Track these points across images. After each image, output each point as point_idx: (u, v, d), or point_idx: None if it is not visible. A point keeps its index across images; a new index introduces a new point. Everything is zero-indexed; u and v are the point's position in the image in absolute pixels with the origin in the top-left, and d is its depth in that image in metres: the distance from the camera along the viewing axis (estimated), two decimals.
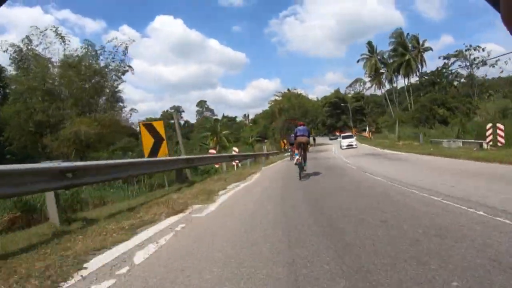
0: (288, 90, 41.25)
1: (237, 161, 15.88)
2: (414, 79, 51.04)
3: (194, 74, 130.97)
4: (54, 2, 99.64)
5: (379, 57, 58.71)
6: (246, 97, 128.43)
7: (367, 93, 69.78)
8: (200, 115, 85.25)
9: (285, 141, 27.61)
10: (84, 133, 15.69)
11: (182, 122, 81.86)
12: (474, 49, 38.20)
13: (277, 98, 41.76)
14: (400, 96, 58.81)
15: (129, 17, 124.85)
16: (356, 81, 72.62)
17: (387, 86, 60.03)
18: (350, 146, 24.79)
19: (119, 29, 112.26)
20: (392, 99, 57.19)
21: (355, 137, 23.98)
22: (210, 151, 15.52)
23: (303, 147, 8.57)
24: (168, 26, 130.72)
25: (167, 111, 76.35)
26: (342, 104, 59.30)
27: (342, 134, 28.58)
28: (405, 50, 46.75)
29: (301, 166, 8.32)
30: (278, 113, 40.81)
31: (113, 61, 19.36)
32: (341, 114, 64.99)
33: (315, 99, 45.44)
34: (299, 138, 8.62)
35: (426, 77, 43.10)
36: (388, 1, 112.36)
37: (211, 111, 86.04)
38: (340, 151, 23.21)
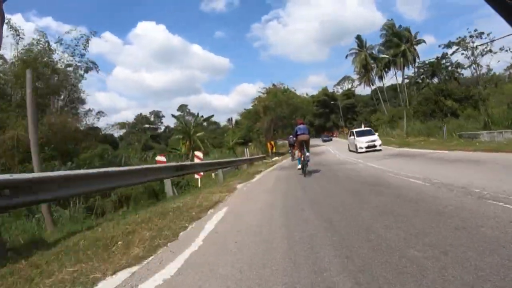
0: (274, 85, 36.11)
1: (201, 173, 10.37)
2: (408, 73, 47.22)
3: (178, 80, 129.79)
4: (35, 9, 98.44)
5: (369, 52, 55.02)
6: (230, 103, 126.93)
7: (356, 91, 66.44)
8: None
9: (272, 143, 22.28)
10: (22, 138, 12.60)
11: (162, 128, 75.86)
12: (477, 36, 34.32)
13: (261, 95, 36.49)
14: (389, 93, 55.27)
15: (111, 24, 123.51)
16: (344, 78, 68.84)
17: (377, 83, 56.24)
18: (371, 147, 15.63)
19: (101, 36, 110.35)
20: (383, 96, 53.29)
21: (377, 133, 17.12)
22: (158, 158, 9.92)
23: (305, 145, 8.69)
24: (150, 32, 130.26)
25: (140, 114, 69.87)
26: (332, 102, 54.71)
27: (355, 130, 18.09)
28: (399, 40, 42.79)
29: (304, 163, 8.60)
30: (263, 112, 35.50)
31: (73, 56, 17.60)
32: (330, 114, 60.54)
33: (305, 95, 40.06)
34: (300, 137, 8.78)
35: (424, 69, 39.09)
36: (369, 3, 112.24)
37: (193, 115, 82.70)
38: (348, 153, 17.07)
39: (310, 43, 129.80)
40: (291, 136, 11.83)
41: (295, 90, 36.21)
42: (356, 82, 64.25)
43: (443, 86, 30.92)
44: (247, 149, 19.42)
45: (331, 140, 45.39)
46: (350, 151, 17.51)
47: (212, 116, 30.22)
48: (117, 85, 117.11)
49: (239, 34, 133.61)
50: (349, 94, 59.66)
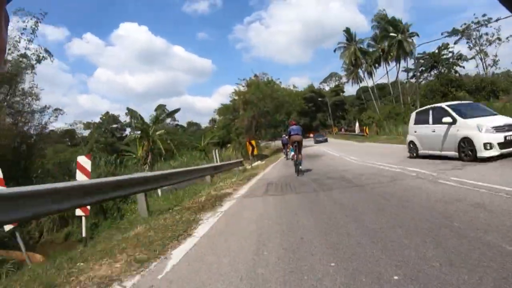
0: (256, 76, 30.65)
1: (87, 209, 4.74)
2: (404, 66, 43.23)
3: (161, 82, 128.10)
4: (15, 9, 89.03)
5: (358, 46, 50.85)
6: (213, 104, 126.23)
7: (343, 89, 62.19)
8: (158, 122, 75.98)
9: (253, 142, 16.80)
10: None
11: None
12: (483, 24, 30.42)
13: (241, 87, 30.89)
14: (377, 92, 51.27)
15: (93, 25, 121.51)
16: (331, 75, 64.58)
17: (366, 80, 52.07)
18: None
19: (82, 37, 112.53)
20: (373, 94, 49.13)
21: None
22: (79, 159, 4.79)
23: (298, 146, 8.71)
24: (133, 33, 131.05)
25: (107, 113, 62.23)
26: (319, 99, 49.95)
27: (447, 104, 7.76)
28: (395, 30, 38.54)
29: (298, 163, 8.54)
30: (243, 108, 30.01)
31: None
32: (317, 112, 55.83)
33: (291, 88, 34.26)
34: (293, 137, 8.88)
35: (424, 59, 34.98)
36: (352, 5, 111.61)
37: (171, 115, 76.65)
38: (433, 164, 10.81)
39: (293, 45, 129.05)
40: (285, 136, 11.58)
41: (281, 82, 30.99)
42: (344, 79, 60.43)
43: (452, 77, 26.81)
44: (217, 152, 13.71)
45: (326, 141, 35.41)
46: (417, 156, 8.64)
47: (178, 110, 23.62)
48: (99, 87, 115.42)
49: (221, 35, 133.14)
50: (338, 90, 55.21)
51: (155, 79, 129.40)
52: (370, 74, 52.40)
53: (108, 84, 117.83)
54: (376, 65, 50.33)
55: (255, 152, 16.40)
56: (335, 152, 16.09)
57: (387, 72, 46.65)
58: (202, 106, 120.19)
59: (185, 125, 73.46)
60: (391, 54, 38.05)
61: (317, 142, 35.00)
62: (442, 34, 34.28)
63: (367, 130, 26.59)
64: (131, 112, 22.61)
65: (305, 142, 27.11)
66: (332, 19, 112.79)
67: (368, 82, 51.26)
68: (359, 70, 53.02)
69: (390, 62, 47.84)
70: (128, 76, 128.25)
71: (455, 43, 33.26)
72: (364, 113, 49.60)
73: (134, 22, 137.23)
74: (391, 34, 37.57)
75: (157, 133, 20.92)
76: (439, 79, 26.92)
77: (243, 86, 31.24)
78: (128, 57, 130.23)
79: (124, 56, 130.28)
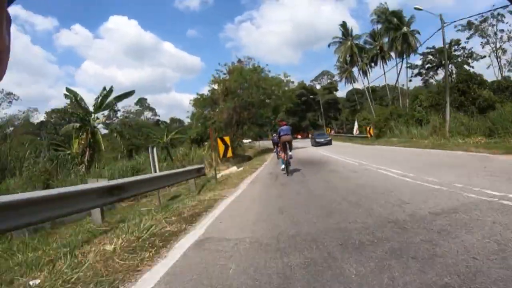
0: (239, 61, 25.40)
1: None
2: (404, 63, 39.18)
3: (149, 78, 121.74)
4: None
5: (355, 41, 46.65)
6: None
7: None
8: (139, 116, 69.71)
9: (227, 139, 11.71)
10: None
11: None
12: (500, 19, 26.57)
13: (221, 74, 25.51)
14: (374, 93, 47.30)
15: (82, 16, 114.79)
16: (323, 73, 60.18)
17: (362, 80, 47.95)
18: None
19: (71, 28, 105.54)
20: (369, 94, 44.97)
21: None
22: None
23: (288, 146, 8.73)
24: (122, 27, 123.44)
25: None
26: (311, 96, 45.25)
27: None
28: (400, 22, 34.34)
29: (287, 163, 8.59)
30: (223, 99, 24.77)
31: None
32: (307, 111, 51.16)
33: (281, 76, 27.78)
34: (283, 137, 8.90)
35: (434, 55, 30.95)
36: (343, 10, 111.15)
37: (153, 110, 71.87)
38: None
39: (283, 46, 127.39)
40: (275, 135, 11.41)
41: (269, 71, 25.80)
42: (337, 78, 56.27)
43: (472, 73, 22.72)
44: (155, 152, 8.27)
45: (330, 142, 25.10)
46: None
47: (131, 93, 16.95)
48: (86, 80, 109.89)
49: (212, 33, 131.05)
50: (331, 88, 50.70)
51: (143, 75, 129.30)
52: (365, 73, 48.29)
53: (95, 78, 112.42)
54: (372, 64, 46.60)
55: (229, 155, 11.23)
56: (351, 158, 11.12)
57: (384, 72, 42.68)
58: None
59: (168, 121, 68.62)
60: (397, 47, 33.75)
61: (317, 144, 24.50)
62: (455, 27, 30.29)
63: (371, 132, 22.05)
64: (72, 94, 16.83)
65: (296, 143, 21.78)
66: (323, 22, 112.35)
67: (363, 82, 47.14)
68: (354, 69, 49.22)
69: (388, 61, 44.34)
70: (115, 70, 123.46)
71: (468, 38, 29.38)
72: (358, 114, 45.54)
73: (124, 16, 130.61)
74: (396, 25, 33.46)
75: (97, 121, 15.30)
76: (459, 74, 22.67)
77: (225, 74, 25.95)
78: (116, 50, 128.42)
79: (113, 50, 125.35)
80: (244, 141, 54.18)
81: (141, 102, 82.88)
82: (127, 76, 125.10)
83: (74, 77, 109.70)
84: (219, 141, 11.48)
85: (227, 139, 11.60)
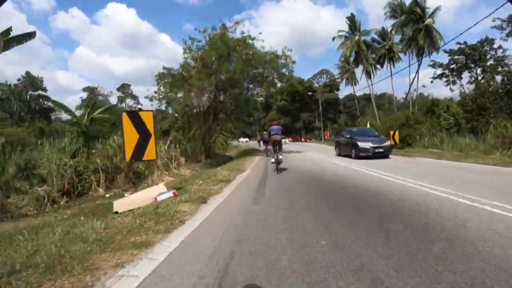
0: (224, 26, 18.44)
1: None
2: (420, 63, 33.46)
3: (142, 69, 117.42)
4: None
5: (363, 38, 40.97)
6: None
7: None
8: (121, 103, 66.44)
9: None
10: None
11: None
12: None
13: (199, 44, 18.62)
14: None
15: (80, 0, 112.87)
16: (322, 72, 54.28)
17: (360, 84, 42.24)
18: None
19: (68, 11, 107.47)
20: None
21: None
22: None
23: (278, 145, 9.03)
24: (120, 15, 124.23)
25: (28, 73, 46.64)
26: (309, 93, 38.98)
27: None
28: (422, 13, 28.58)
29: (278, 162, 8.88)
30: (196, 76, 17.77)
31: None
32: (302, 111, 44.95)
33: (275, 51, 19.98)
34: (273, 137, 9.11)
35: (466, 52, 25.29)
36: (342, 16, 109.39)
37: (135, 98, 67.62)
38: None
39: (280, 47, 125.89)
40: (265, 133, 12.32)
41: (263, 40, 18.90)
42: (337, 77, 50.47)
43: None
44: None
45: (387, 152, 12.53)
46: None
47: (30, 35, 10.72)
48: (79, 65, 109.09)
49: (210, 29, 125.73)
50: (333, 86, 44.60)
51: (136, 65, 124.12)
52: (369, 74, 42.60)
53: (88, 64, 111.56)
54: (378, 65, 41.22)
55: (150, 157, 4.75)
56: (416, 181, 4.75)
57: (391, 74, 37.13)
58: None
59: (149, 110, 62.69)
60: (418, 42, 27.94)
61: (357, 156, 12.24)
62: (492, 21, 24.69)
63: (397, 139, 15.76)
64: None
65: (286, 146, 16.42)
66: (321, 27, 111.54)
67: (367, 83, 41.60)
68: (357, 69, 43.74)
69: (396, 63, 39.15)
70: (109, 58, 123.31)
71: (508, 35, 23.84)
72: (360, 119, 39.78)
73: (122, 4, 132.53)
74: (418, 15, 27.74)
75: None
76: (508, 73, 16.86)
77: (204, 46, 18.94)
78: (112, 38, 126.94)
79: (108, 37, 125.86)
80: (241, 139, 46.83)
81: (124, 88, 76.75)
82: (120, 65, 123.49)
83: (66, 60, 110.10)
84: (126, 123, 4.87)
85: (147, 117, 5.06)
